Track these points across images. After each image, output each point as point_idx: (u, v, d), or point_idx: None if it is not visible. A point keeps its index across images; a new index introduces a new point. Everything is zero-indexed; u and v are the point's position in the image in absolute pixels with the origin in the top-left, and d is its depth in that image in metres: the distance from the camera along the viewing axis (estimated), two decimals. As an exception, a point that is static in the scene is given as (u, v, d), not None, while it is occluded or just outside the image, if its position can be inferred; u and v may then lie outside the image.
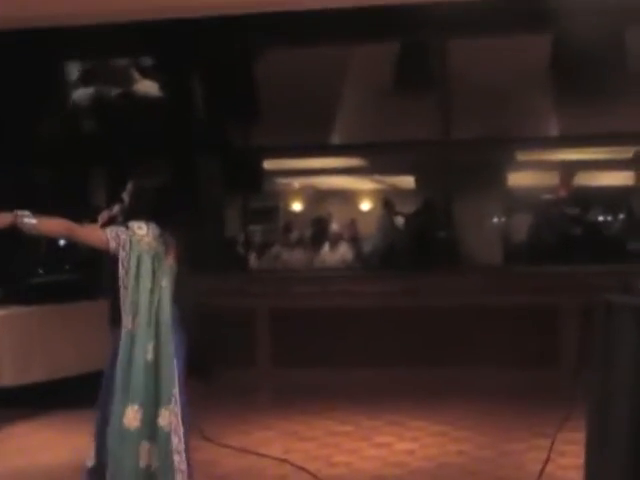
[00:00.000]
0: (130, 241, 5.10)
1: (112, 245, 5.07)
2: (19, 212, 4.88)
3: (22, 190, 10.78)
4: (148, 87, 11.72)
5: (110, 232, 5.09)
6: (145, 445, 5.06)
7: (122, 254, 5.09)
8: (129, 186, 5.31)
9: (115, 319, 5.15)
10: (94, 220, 5.31)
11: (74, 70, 11.93)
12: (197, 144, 11.02)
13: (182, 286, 5.30)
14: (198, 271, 10.32)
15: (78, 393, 8.59)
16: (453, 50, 10.72)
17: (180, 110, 11.13)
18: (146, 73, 11.73)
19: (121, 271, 5.10)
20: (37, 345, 8.50)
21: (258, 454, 7.07)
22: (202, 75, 11.37)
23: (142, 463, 5.06)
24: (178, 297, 5.26)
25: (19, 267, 9.07)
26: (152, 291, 5.14)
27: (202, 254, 11.05)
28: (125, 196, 5.31)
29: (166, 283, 5.21)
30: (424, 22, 9.80)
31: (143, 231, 5.16)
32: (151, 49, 11.40)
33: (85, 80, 11.80)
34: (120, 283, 5.09)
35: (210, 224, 11.42)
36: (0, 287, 8.80)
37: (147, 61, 11.73)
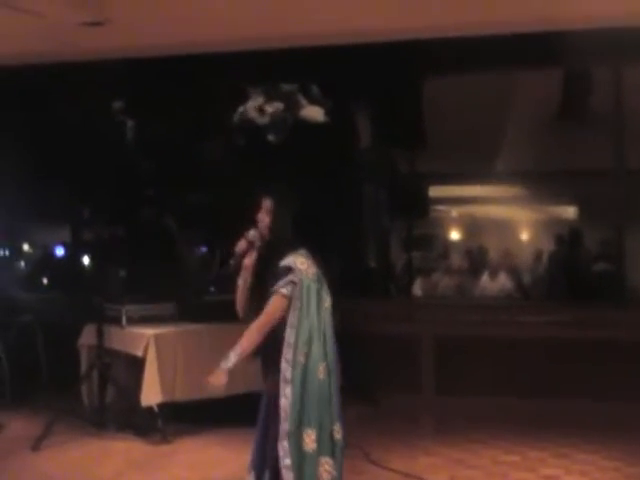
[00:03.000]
0: (301, 281, 5.06)
1: (292, 296, 5.06)
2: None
3: (182, 213, 11.12)
4: (315, 113, 11.88)
5: (286, 290, 5.03)
6: (324, 460, 5.11)
7: (297, 295, 5.06)
8: (265, 206, 5.15)
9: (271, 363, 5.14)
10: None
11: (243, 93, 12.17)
12: (361, 170, 11.13)
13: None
14: (363, 297, 10.49)
15: (244, 410, 8.84)
16: (621, 77, 10.49)
17: (346, 136, 11.25)
18: (313, 99, 11.90)
19: (291, 314, 5.08)
20: (207, 362, 8.65)
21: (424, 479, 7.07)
22: (368, 102, 11.48)
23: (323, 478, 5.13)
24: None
25: (192, 286, 9.30)
26: (318, 313, 5.13)
27: (368, 279, 11.17)
28: (262, 216, 5.15)
29: (328, 303, 5.22)
30: (591, 49, 9.69)
31: (305, 265, 5.10)
32: (320, 75, 11.56)
33: (254, 103, 12.02)
34: (288, 321, 5.07)
35: (376, 250, 11.50)
36: (175, 304, 9.05)
37: (315, 87, 11.89)
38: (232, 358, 5.06)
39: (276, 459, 5.06)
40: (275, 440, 5.08)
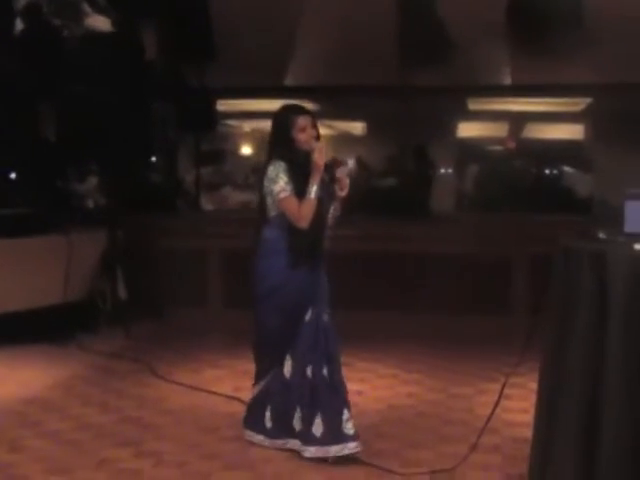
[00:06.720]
0: None
1: None
2: None
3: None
4: (100, 23, 11.49)
5: None
6: None
7: None
8: (310, 122, 5.45)
9: None
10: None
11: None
12: (150, 84, 10.87)
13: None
14: (152, 212, 10.38)
15: (26, 328, 8.67)
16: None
17: (132, 48, 10.95)
18: (99, 8, 11.50)
19: None
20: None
21: (208, 391, 7.11)
22: (156, 13, 11.19)
23: None
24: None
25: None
26: None
27: (155, 195, 11.05)
28: (311, 132, 5.40)
29: None
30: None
31: None
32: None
33: (32, 11, 11.49)
34: None
35: (163, 165, 11.34)
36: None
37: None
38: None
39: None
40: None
